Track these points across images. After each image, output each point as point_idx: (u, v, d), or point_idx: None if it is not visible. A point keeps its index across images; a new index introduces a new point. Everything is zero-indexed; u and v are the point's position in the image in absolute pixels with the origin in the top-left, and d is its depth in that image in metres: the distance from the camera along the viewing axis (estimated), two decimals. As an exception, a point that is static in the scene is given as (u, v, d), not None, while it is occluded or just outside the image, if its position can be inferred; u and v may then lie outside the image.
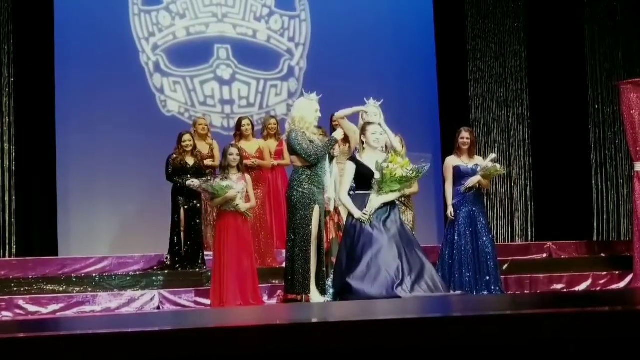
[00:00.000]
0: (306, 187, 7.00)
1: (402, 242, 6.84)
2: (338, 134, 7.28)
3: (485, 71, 11.36)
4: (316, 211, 7.02)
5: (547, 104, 11.20)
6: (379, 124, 7.17)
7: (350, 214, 6.99)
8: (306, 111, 7.13)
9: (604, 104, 11.15)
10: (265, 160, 9.04)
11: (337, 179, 7.31)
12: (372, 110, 7.49)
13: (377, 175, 6.87)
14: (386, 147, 7.26)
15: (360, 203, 6.91)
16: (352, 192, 7.04)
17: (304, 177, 7.04)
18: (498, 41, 11.39)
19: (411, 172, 6.89)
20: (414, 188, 8.24)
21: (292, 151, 7.12)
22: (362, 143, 7.10)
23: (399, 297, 6.52)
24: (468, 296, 7.06)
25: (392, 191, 6.92)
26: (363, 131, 7.13)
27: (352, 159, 7.13)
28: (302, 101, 7.27)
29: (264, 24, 11.06)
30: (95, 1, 10.50)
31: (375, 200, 6.89)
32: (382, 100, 7.61)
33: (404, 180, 6.90)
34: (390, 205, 6.98)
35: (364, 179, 6.97)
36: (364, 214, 6.84)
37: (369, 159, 6.99)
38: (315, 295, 6.99)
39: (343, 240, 7.02)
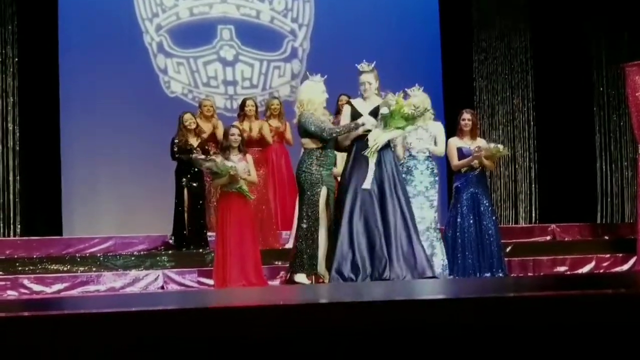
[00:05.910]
0: (314, 169, 6.99)
1: (394, 222, 6.83)
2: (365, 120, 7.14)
3: (489, 53, 11.33)
4: (323, 192, 7.02)
5: (551, 86, 11.16)
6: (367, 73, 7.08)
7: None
8: (313, 93, 7.08)
9: (609, 86, 11.10)
10: (266, 137, 9.01)
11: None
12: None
13: (384, 111, 6.87)
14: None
15: (356, 149, 6.93)
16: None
17: (313, 158, 7.02)
18: (502, 23, 11.35)
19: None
20: (441, 148, 7.92)
21: (305, 133, 7.05)
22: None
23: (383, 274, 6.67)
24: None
25: (397, 128, 6.91)
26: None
27: (348, 102, 7.23)
28: (308, 83, 7.20)
29: (267, 4, 11.02)
30: (99, -19, 10.49)
31: (382, 136, 6.88)
32: (374, 62, 7.36)
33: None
34: (387, 166, 6.93)
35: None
36: (370, 149, 6.80)
37: (362, 106, 7.04)
38: (325, 276, 6.99)
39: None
